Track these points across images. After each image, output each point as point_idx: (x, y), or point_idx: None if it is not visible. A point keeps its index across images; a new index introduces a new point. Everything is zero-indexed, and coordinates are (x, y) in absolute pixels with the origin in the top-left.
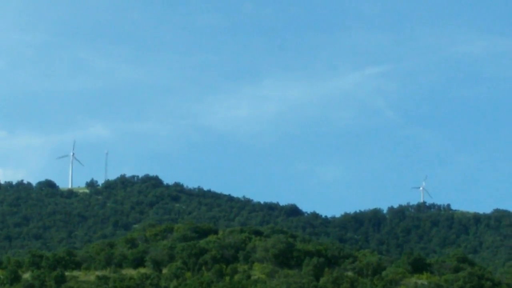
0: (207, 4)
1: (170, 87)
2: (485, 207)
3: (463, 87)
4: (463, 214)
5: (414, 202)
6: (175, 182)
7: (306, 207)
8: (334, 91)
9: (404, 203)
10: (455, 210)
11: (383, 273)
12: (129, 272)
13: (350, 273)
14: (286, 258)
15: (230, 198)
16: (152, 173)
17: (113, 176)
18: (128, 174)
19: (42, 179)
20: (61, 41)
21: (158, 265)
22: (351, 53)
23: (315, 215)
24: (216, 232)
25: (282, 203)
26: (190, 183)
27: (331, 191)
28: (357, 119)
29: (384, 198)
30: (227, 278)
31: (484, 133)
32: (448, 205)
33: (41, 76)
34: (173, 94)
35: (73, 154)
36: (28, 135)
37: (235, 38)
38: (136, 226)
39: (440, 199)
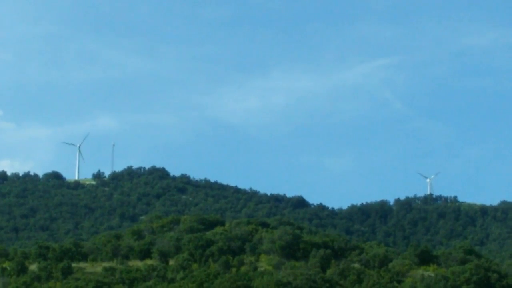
0: None
1: (178, 79)
2: (492, 199)
3: (471, 79)
4: (470, 206)
5: (421, 194)
6: (182, 174)
7: (313, 199)
8: (342, 83)
9: (411, 195)
10: (462, 202)
11: (390, 265)
12: (136, 263)
13: (356, 265)
14: (293, 250)
15: (236, 190)
16: (160, 165)
17: (120, 167)
18: (136, 165)
19: (50, 170)
20: (69, 33)
21: (164, 256)
22: (359, 45)
23: (321, 207)
24: (222, 224)
25: (289, 195)
26: (197, 175)
27: (338, 183)
28: (365, 111)
29: (391, 190)
30: (234, 269)
31: (491, 125)
32: (455, 197)
33: (49, 68)
34: (181, 86)
35: (79, 146)
36: (36, 127)
37: (244, 30)
38: (142, 217)
39: (447, 191)
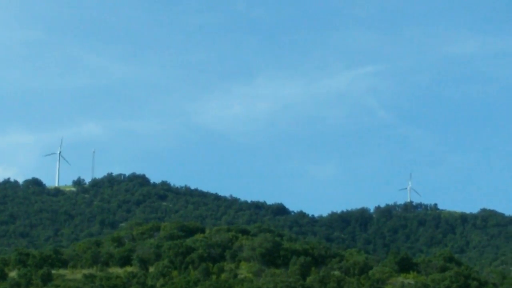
0: (200, 3)
1: (163, 86)
2: (472, 207)
3: (455, 87)
4: (450, 214)
5: (401, 201)
6: (162, 181)
7: (293, 206)
8: (326, 90)
9: (391, 202)
10: (442, 209)
11: (370, 272)
12: (116, 270)
13: (337, 272)
14: (273, 257)
15: (217, 197)
16: (141, 172)
17: (102, 174)
18: (118, 172)
19: (32, 177)
20: (53, 39)
21: (144, 263)
22: (344, 52)
23: (302, 214)
24: (203, 231)
25: (272, 201)
26: (178, 182)
27: (320, 190)
28: (349, 118)
29: (371, 198)
30: (214, 277)
31: (474, 133)
32: (435, 205)
33: (32, 74)
34: (166, 92)
35: (60, 152)
36: (19, 133)
37: (228, 37)
38: (123, 224)
39: (427, 199)
